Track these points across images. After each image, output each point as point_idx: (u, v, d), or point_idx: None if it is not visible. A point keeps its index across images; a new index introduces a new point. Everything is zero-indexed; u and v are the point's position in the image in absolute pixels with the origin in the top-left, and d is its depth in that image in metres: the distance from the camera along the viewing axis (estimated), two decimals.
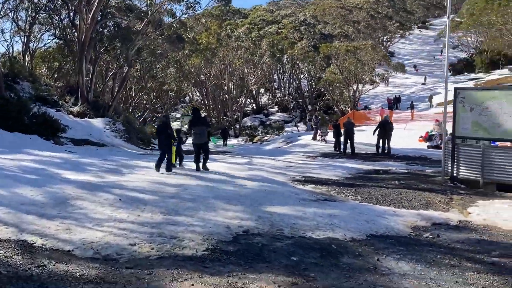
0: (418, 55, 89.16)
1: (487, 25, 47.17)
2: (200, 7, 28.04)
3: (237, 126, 48.08)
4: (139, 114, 41.80)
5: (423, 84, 63.90)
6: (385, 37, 78.98)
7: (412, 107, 39.30)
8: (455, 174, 11.11)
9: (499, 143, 19.19)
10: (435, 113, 40.99)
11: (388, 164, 15.15)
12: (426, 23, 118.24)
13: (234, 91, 46.53)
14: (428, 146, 19.42)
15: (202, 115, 13.84)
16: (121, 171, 10.67)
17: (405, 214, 7.56)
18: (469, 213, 7.85)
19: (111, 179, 9.35)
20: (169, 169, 11.00)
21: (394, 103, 48.93)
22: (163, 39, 29.13)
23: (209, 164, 12.04)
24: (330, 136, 23.32)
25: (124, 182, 9.04)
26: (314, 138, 23.55)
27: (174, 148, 11.82)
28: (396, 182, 11.29)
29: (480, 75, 65.02)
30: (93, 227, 5.84)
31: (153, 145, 24.32)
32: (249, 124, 51.86)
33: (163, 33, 28.52)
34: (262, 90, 62.40)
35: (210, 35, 40.06)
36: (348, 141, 18.62)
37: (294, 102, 58.21)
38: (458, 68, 73.26)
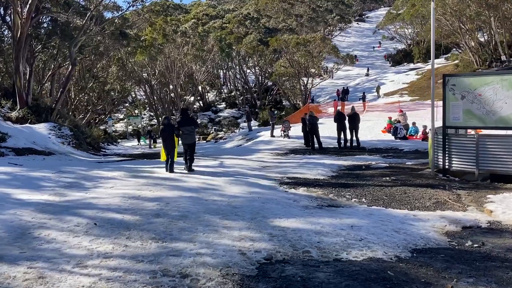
0: (357, 47, 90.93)
1: (427, 15, 48.39)
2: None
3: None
4: (80, 116, 39.01)
5: (366, 75, 65.01)
6: (326, 30, 79.87)
7: (364, 98, 39.50)
8: (446, 167, 10.51)
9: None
10: (385, 103, 41.63)
11: (366, 158, 14.47)
12: (363, 16, 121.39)
13: (180, 89, 44.70)
14: (395, 137, 19.08)
15: (191, 115, 13.90)
16: (84, 185, 9.10)
17: (428, 217, 6.71)
18: (491, 211, 7.14)
19: (76, 197, 7.83)
20: (172, 169, 11.21)
21: (344, 94, 49.21)
22: (105, 36, 26.99)
23: (178, 169, 10.95)
24: (293, 131, 22.50)
25: (93, 200, 7.56)
26: (272, 135, 22.59)
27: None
28: (388, 178, 10.55)
29: (419, 64, 67.35)
30: (74, 270, 4.45)
31: (103, 150, 22.35)
32: (198, 122, 50.20)
33: (104, 29, 26.39)
34: (207, 87, 60.83)
35: (155, 31, 38.02)
36: (314, 136, 17.87)
37: (241, 98, 57.18)
38: (397, 58, 75.63)
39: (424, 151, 15.96)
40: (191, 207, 7.11)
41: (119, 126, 54.39)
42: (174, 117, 49.55)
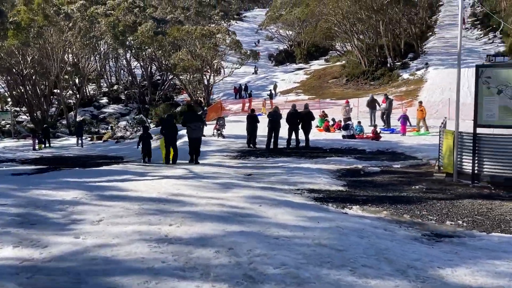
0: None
1: (320, 15, 49.32)
2: None
3: (64, 122, 40.31)
4: None
5: (254, 73, 64.47)
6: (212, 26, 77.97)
7: (271, 96, 38.38)
8: (476, 171, 9.18)
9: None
10: (285, 101, 41.14)
11: (342, 161, 12.79)
12: (240, 15, 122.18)
13: (64, 81, 38.65)
14: (343, 136, 17.80)
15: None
16: (50, 219, 5.62)
17: None
18: None
19: (65, 248, 4.51)
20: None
21: (240, 91, 47.86)
22: None
23: (129, 185, 8.11)
24: (227, 130, 19.97)
25: (100, 251, 4.39)
26: (202, 134, 19.76)
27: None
28: (414, 187, 8.89)
29: (301, 65, 69.18)
30: None
31: None
32: (79, 119, 44.28)
33: None
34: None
35: (31, 11, 31.96)
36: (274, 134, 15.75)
37: (126, 92, 52.25)
38: (280, 58, 76.95)
39: (387, 151, 14.87)
40: (279, 257, 4.43)
41: None
42: (47, 113, 42.85)
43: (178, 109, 44.13)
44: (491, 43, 48.67)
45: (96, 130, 38.74)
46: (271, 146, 15.84)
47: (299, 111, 16.33)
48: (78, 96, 44.76)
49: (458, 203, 7.37)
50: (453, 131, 9.62)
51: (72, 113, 43.93)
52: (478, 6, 64.30)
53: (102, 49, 40.31)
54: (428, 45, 51.92)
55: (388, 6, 44.70)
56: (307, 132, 16.08)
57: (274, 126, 15.64)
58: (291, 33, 78.34)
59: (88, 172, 10.40)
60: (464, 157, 9.43)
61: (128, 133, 30.42)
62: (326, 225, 5.63)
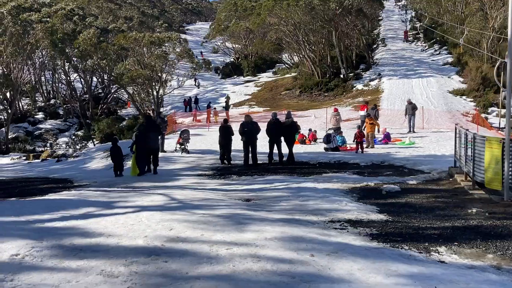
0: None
1: (270, 26, 47.94)
2: None
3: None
4: None
5: (196, 86, 61.59)
6: (162, 33, 74.93)
7: (227, 107, 36.12)
8: None
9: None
10: (240, 113, 39.14)
11: (347, 178, 10.75)
12: (183, 28, 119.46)
13: None
14: (326, 149, 15.86)
15: None
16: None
17: None
18: None
19: None
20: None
21: (190, 104, 45.33)
22: None
23: (98, 226, 5.48)
24: (190, 144, 17.44)
25: None
26: (162, 149, 17.11)
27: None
28: (473, 210, 6.98)
29: (249, 77, 67.69)
30: None
31: None
32: (12, 136, 39.67)
33: None
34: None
35: None
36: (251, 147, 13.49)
37: (65, 106, 48.02)
38: (227, 71, 75.00)
39: (384, 165, 13.11)
40: None
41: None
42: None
43: (124, 123, 40.80)
44: (438, 54, 49.52)
45: (32, 148, 34.57)
46: (250, 162, 13.57)
47: (281, 120, 14.21)
48: (9, 111, 40.11)
49: None
50: (500, 138, 7.85)
51: (3, 129, 39.19)
52: (416, 22, 66.23)
53: (37, 58, 36.27)
54: (377, 56, 52.15)
55: (340, 17, 44.15)
56: (290, 145, 13.99)
57: (249, 138, 13.36)
58: (238, 45, 76.78)
59: (31, 205, 7.53)
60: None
61: (70, 150, 26.86)
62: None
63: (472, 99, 31.95)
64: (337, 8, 43.20)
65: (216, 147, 17.48)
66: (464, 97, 33.01)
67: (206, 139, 21.04)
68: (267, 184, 9.87)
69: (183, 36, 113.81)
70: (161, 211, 6.62)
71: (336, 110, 18.67)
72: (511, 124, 7.76)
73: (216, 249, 4.56)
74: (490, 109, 28.92)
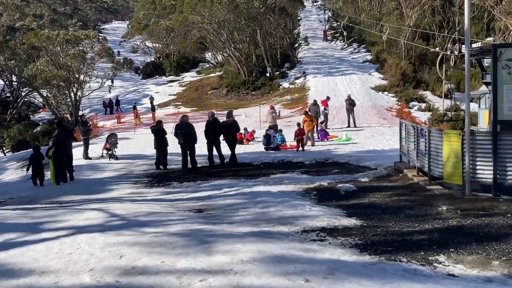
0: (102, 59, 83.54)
1: (195, 24, 46.70)
2: None
3: None
4: None
5: (110, 86, 58.25)
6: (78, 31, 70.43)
7: (153, 108, 34.39)
8: (499, 180, 7.29)
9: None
10: (166, 114, 37.69)
11: (296, 178, 10.15)
12: (99, 27, 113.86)
13: None
14: (266, 148, 15.20)
15: None
16: None
17: None
18: None
19: None
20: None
21: (111, 106, 42.73)
22: None
23: (24, 259, 4.43)
24: (120, 150, 15.97)
25: None
26: (87, 156, 15.39)
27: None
28: (444, 208, 6.63)
29: (172, 77, 65.81)
30: None
31: None
32: None
33: None
34: None
35: None
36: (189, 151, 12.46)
37: None
38: (148, 71, 72.28)
39: (329, 163, 12.75)
40: None
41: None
42: None
43: (38, 128, 37.49)
44: (357, 52, 51.19)
45: None
46: (189, 166, 12.54)
47: (221, 120, 13.30)
48: None
49: None
50: (459, 132, 7.63)
51: None
52: (334, 22, 68.43)
53: None
54: (300, 55, 52.90)
55: (264, 15, 44.05)
56: (232, 146, 13.13)
57: (187, 140, 12.32)
58: (159, 45, 74.23)
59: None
60: (478, 163, 7.47)
61: None
62: None
63: (393, 95, 33.09)
64: (261, 6, 43.06)
65: (148, 151, 16.33)
66: (386, 92, 34.15)
67: (135, 142, 19.54)
68: (215, 191, 8.97)
69: (99, 35, 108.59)
70: (102, 232, 5.49)
71: (272, 107, 18.17)
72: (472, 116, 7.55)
73: (188, 282, 3.63)
74: (411, 104, 30.06)
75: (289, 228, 5.61)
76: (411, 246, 4.81)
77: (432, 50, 26.50)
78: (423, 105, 28.82)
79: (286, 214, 6.40)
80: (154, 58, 75.98)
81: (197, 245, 4.73)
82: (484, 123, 10.24)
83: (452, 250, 4.66)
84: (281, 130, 16.46)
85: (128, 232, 5.45)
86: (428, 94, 32.04)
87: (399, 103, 30.11)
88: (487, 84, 8.90)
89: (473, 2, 38.94)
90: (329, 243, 4.96)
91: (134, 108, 33.55)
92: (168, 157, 13.28)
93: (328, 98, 21.08)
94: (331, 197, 7.92)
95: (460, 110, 20.95)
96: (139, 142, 19.42)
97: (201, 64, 67.28)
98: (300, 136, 15.14)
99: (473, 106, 23.06)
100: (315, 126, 16.98)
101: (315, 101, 20.51)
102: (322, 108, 19.65)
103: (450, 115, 16.66)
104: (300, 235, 5.31)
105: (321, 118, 19.48)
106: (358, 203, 7.40)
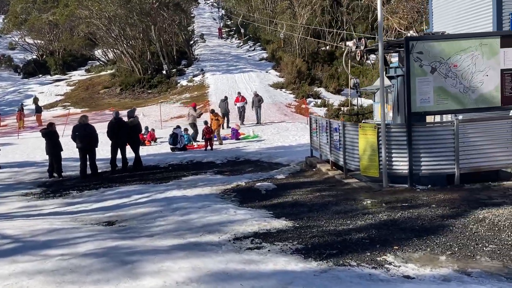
0: None
1: (82, 19, 43.54)
2: None
3: None
4: None
5: None
6: None
7: (39, 110, 31.20)
8: (414, 171, 7.48)
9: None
10: (54, 116, 34.72)
11: (211, 180, 9.62)
12: None
13: None
14: (172, 149, 14.32)
15: None
16: None
17: None
18: None
19: None
20: None
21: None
22: None
23: None
24: (3, 157, 14.00)
25: None
26: None
27: None
28: (368, 202, 6.59)
29: (58, 76, 61.12)
30: None
31: None
32: None
33: None
34: None
35: None
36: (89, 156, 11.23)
37: None
38: (30, 70, 66.17)
39: (240, 161, 12.44)
40: None
41: None
42: None
43: None
44: (253, 50, 51.86)
45: None
46: (89, 172, 11.31)
47: (124, 120, 12.19)
48: None
49: (478, 222, 5.28)
50: (375, 125, 7.68)
51: None
52: (228, 20, 68.85)
53: None
54: (197, 52, 52.20)
55: (158, 11, 42.56)
56: (136, 148, 12.12)
57: (86, 144, 11.09)
58: (41, 41, 68.11)
59: None
60: (393, 155, 7.58)
61: None
62: None
63: (291, 92, 33.92)
64: (154, 1, 41.51)
65: (37, 157, 14.66)
66: (283, 90, 34.91)
67: (20, 148, 17.43)
68: (123, 199, 8.06)
69: None
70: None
71: (194, 105, 18.08)
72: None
73: None
74: (308, 100, 31.04)
75: (219, 237, 5.06)
76: (355, 247, 4.56)
77: (344, 46, 27.55)
78: (319, 101, 29.95)
79: (211, 221, 5.84)
80: (37, 55, 69.54)
81: (117, 267, 3.98)
82: (378, 116, 10.67)
83: (396, 248, 4.51)
84: (186, 129, 15.70)
85: (26, 258, 4.47)
86: (322, 91, 33.39)
87: (297, 100, 30.95)
88: (390, 78, 9.15)
89: (360, 3, 41.58)
90: (268, 250, 4.52)
91: (20, 110, 29.93)
92: (62, 162, 11.88)
93: (239, 93, 21.01)
94: (253, 198, 7.52)
95: (353, 105, 22.02)
96: (25, 148, 17.34)
97: (90, 61, 63.16)
98: (208, 135, 14.58)
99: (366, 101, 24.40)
100: (221, 125, 16.58)
101: (225, 97, 20.34)
102: (240, 104, 19.82)
103: (356, 109, 17.35)
104: (233, 244, 4.80)
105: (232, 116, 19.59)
106: (282, 202, 7.09)
